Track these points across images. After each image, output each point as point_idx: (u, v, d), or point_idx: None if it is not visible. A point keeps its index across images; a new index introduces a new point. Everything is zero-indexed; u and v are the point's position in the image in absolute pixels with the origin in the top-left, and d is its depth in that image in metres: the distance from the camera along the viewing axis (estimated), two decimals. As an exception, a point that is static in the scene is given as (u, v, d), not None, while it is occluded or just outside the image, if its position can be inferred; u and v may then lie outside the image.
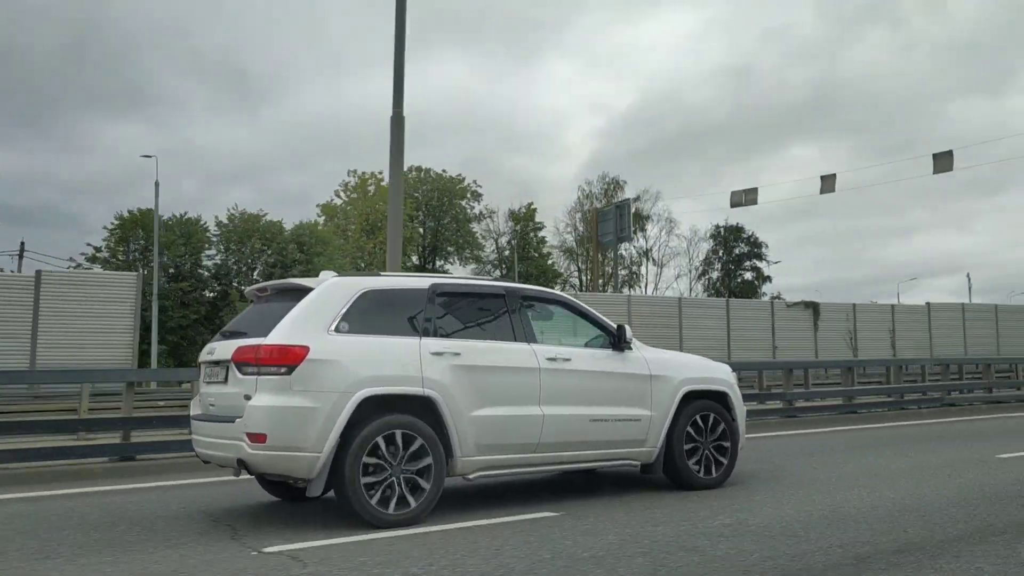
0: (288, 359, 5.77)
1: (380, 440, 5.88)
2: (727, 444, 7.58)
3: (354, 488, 5.75)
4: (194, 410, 6.73)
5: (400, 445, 5.95)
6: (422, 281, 6.60)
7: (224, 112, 74.62)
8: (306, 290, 6.21)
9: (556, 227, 64.29)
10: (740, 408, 7.87)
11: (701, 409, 7.50)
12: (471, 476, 6.36)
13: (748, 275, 65.44)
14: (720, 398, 7.73)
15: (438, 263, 58.71)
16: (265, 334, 5.91)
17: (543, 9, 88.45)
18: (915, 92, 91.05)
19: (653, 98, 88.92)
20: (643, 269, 64.43)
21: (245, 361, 5.90)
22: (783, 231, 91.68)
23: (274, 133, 76.63)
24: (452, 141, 78.53)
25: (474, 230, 62.83)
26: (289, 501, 7.06)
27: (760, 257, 65.63)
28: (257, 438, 5.71)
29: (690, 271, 66.42)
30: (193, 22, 74.27)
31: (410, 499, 5.94)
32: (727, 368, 8.06)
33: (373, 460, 5.85)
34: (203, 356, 6.63)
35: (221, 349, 6.29)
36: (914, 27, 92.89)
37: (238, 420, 5.80)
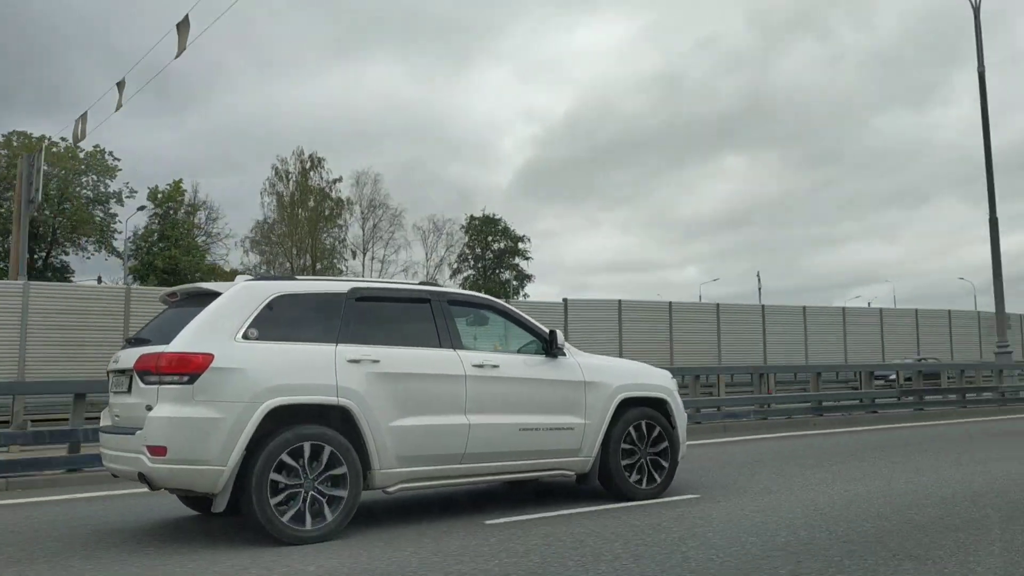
0: (190, 367, 5.47)
1: (290, 452, 5.59)
2: (666, 453, 7.35)
3: (261, 503, 5.45)
4: (103, 421, 6.41)
5: (312, 457, 5.66)
6: (341, 285, 6.32)
7: (147, 115, 71.23)
8: (215, 295, 5.92)
9: (265, 212, 50.62)
10: (681, 416, 7.64)
11: (639, 417, 7.26)
12: (391, 489, 6.08)
13: (508, 274, 56.86)
14: (659, 405, 7.49)
15: (54, 254, 46.39)
16: (169, 341, 5.62)
17: (475, 13, 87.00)
18: (842, 103, 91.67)
19: (588, 106, 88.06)
20: (347, 263, 51.95)
21: (147, 370, 5.60)
22: (716, 240, 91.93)
23: (201, 137, 73.46)
24: (390, 147, 76.84)
25: (113, 213, 48.17)
26: (207, 516, 6.73)
27: (520, 254, 57.53)
28: (157, 451, 5.41)
29: (427, 268, 54.75)
30: (111, 20, 71.59)
31: (323, 514, 5.64)
32: (667, 374, 7.83)
33: (282, 473, 5.55)
34: (110, 365, 6.32)
35: (125, 357, 5.98)
36: (841, 39, 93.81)
37: (139, 432, 5.50)
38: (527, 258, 58.02)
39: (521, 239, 57.94)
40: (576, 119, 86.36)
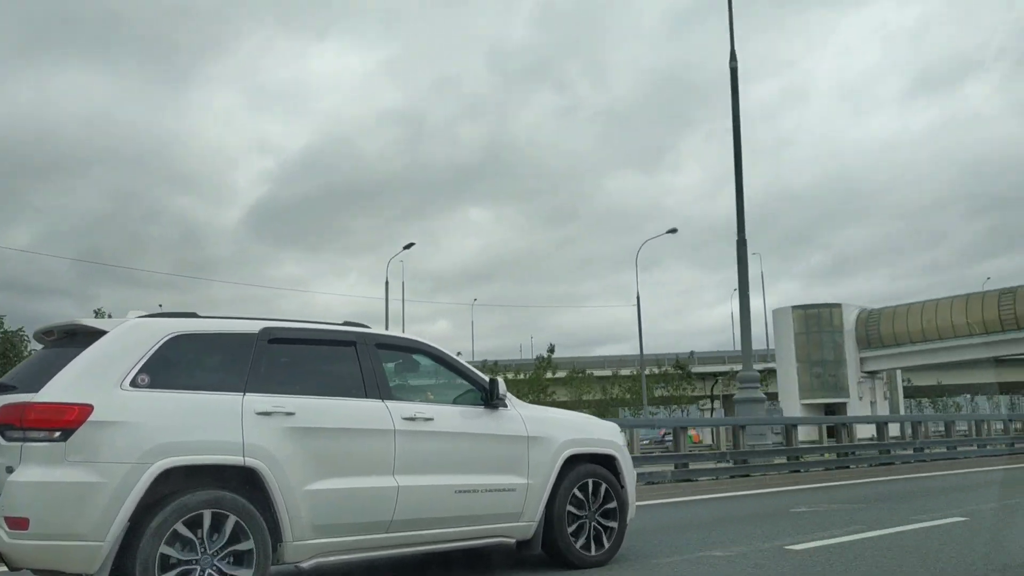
0: (63, 421, 4.54)
1: (185, 523, 4.69)
2: (615, 515, 6.63)
3: (147, 587, 4.52)
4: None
5: (211, 529, 4.76)
6: (251, 325, 5.46)
7: None
8: (99, 333, 5.00)
9: None
10: (630, 473, 6.94)
11: (586, 475, 6.53)
12: (305, 564, 5.20)
13: None
14: (607, 462, 6.78)
15: None
16: (38, 389, 4.67)
17: (186, 26, 79.49)
18: (577, 160, 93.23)
19: (327, 142, 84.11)
20: None
21: (9, 423, 4.63)
22: (459, 294, 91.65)
23: None
24: (100, 175, 68.36)
25: None
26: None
27: None
28: (18, 523, 4.43)
29: None
30: None
31: (221, 597, 4.72)
32: (615, 427, 7.14)
33: (175, 549, 4.64)
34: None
35: None
36: (577, 92, 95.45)
37: None
38: None
39: None
40: (314, 155, 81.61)
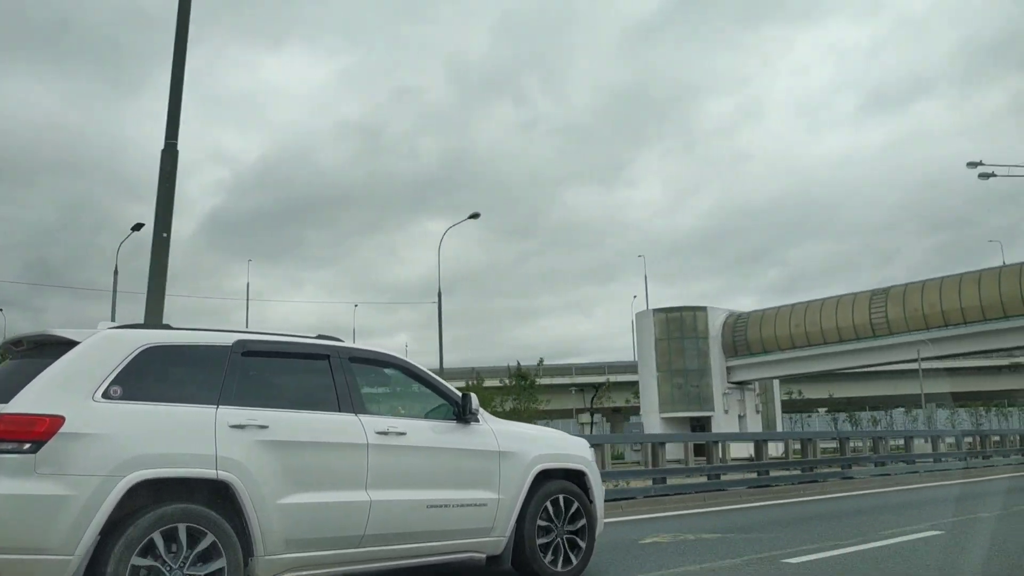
0: (34, 432, 4.46)
1: (156, 537, 4.62)
2: (584, 531, 6.67)
3: (116, 601, 4.44)
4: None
5: (183, 543, 4.70)
6: (224, 337, 5.42)
7: None
8: (70, 344, 4.93)
9: None
10: (599, 489, 7.00)
11: (556, 490, 6.57)
12: (277, 580, 5.15)
13: None
14: (577, 477, 6.83)
15: None
16: (8, 399, 4.59)
17: (134, 33, 78.48)
18: (536, 174, 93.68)
19: (283, 153, 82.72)
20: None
21: None
22: (419, 309, 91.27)
23: None
24: (49, 182, 66.69)
25: None
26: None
27: None
28: None
29: None
30: None
31: (192, 614, 4.66)
32: (584, 443, 7.19)
33: (145, 564, 4.57)
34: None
35: None
36: (537, 107, 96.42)
37: None
38: None
39: None
40: (270, 166, 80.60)
